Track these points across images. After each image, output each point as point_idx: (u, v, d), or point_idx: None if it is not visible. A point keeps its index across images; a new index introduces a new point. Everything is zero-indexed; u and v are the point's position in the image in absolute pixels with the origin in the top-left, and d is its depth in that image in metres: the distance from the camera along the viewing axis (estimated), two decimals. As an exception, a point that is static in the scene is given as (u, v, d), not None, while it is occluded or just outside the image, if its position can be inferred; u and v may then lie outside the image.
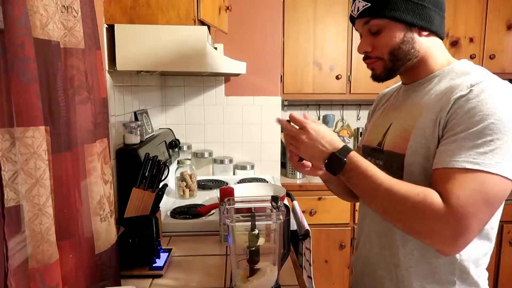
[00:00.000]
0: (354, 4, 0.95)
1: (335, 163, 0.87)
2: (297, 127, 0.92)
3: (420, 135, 0.87)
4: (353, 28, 1.02)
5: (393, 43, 0.91)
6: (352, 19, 0.98)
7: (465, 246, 0.78)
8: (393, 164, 0.92)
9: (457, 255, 0.88)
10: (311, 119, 0.93)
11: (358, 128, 2.95)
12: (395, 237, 0.95)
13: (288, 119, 0.94)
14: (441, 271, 0.91)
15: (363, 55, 0.99)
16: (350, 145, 2.94)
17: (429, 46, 0.93)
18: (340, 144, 0.89)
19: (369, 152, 1.06)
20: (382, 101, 1.14)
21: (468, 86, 0.82)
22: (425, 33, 0.92)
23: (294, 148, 0.93)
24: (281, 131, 2.53)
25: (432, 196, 0.77)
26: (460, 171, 0.76)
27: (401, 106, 1.00)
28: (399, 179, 0.84)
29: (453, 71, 0.92)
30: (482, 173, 0.75)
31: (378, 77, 0.98)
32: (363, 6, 0.92)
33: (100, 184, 1.00)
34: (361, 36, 0.98)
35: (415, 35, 0.91)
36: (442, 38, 0.96)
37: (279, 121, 0.97)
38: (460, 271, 0.89)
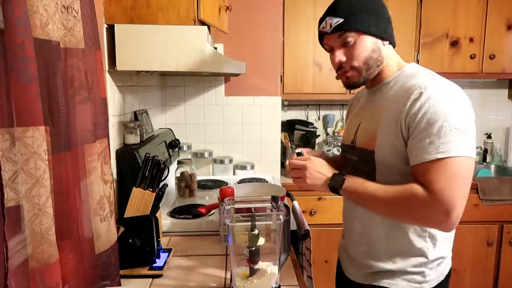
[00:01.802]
0: (324, 22, 1.08)
1: (335, 184, 1.06)
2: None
3: (384, 133, 1.03)
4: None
5: (366, 52, 1.05)
6: (321, 36, 1.11)
7: (459, 219, 0.94)
8: (366, 159, 1.08)
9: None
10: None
11: (358, 128, 2.95)
12: (373, 220, 1.09)
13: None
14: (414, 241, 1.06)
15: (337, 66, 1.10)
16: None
17: (387, 53, 1.09)
18: (330, 174, 1.07)
19: (345, 148, 1.21)
20: (355, 103, 1.27)
21: (418, 89, 0.97)
22: (386, 42, 1.08)
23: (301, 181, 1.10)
24: (281, 131, 2.53)
25: (415, 188, 0.95)
26: (434, 162, 0.93)
27: (366, 108, 1.16)
28: (381, 181, 1.02)
29: (403, 75, 1.07)
30: (451, 159, 0.92)
31: (352, 85, 1.12)
32: (336, 22, 1.04)
33: (100, 184, 1.00)
34: (329, 50, 1.11)
35: (380, 45, 1.07)
36: (394, 46, 1.12)
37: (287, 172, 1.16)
38: (431, 237, 1.05)
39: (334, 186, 1.05)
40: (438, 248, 1.06)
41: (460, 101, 0.96)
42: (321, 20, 1.10)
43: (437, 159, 0.92)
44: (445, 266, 1.10)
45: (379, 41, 1.06)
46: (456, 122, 0.93)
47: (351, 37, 1.04)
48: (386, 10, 1.08)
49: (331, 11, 1.07)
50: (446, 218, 0.93)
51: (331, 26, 1.05)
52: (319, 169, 1.08)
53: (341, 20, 1.03)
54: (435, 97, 0.95)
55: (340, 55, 1.07)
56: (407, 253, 1.06)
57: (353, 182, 1.04)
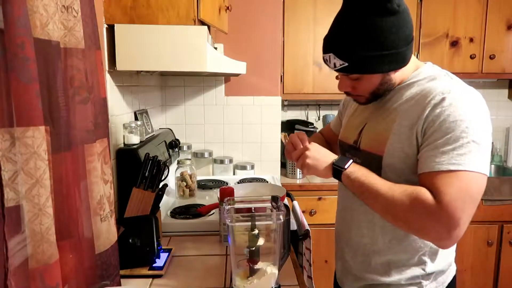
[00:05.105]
0: (328, 57, 0.97)
1: (340, 164, 0.99)
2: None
3: (396, 140, 0.96)
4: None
5: (373, 87, 1.00)
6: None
7: (459, 238, 0.88)
8: (371, 163, 1.01)
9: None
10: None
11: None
12: (374, 232, 1.05)
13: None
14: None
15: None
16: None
17: (402, 72, 1.00)
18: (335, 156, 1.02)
19: (346, 148, 1.14)
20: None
21: (439, 94, 0.91)
22: (400, 69, 0.99)
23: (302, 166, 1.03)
24: (281, 131, 2.53)
25: (424, 194, 0.87)
26: (445, 173, 0.86)
27: (374, 107, 1.07)
28: (387, 181, 0.94)
29: (420, 76, 1.00)
30: (464, 172, 0.85)
31: (362, 104, 1.08)
32: (340, 65, 0.96)
33: (100, 184, 1.00)
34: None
35: (391, 75, 0.99)
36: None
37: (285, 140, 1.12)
38: (431, 253, 1.02)
39: (340, 165, 0.98)
40: (437, 263, 1.02)
41: (482, 113, 0.90)
42: (324, 49, 0.99)
43: (449, 170, 0.85)
44: (446, 276, 1.06)
45: (390, 73, 0.98)
46: (476, 135, 0.86)
47: (356, 76, 0.98)
48: (401, 32, 0.92)
49: (333, 47, 0.96)
50: (447, 234, 0.86)
51: (335, 66, 0.97)
52: (321, 152, 1.02)
53: (345, 64, 0.95)
54: (456, 105, 0.88)
55: (345, 86, 1.03)
56: (404, 266, 1.02)
57: (358, 169, 0.97)
